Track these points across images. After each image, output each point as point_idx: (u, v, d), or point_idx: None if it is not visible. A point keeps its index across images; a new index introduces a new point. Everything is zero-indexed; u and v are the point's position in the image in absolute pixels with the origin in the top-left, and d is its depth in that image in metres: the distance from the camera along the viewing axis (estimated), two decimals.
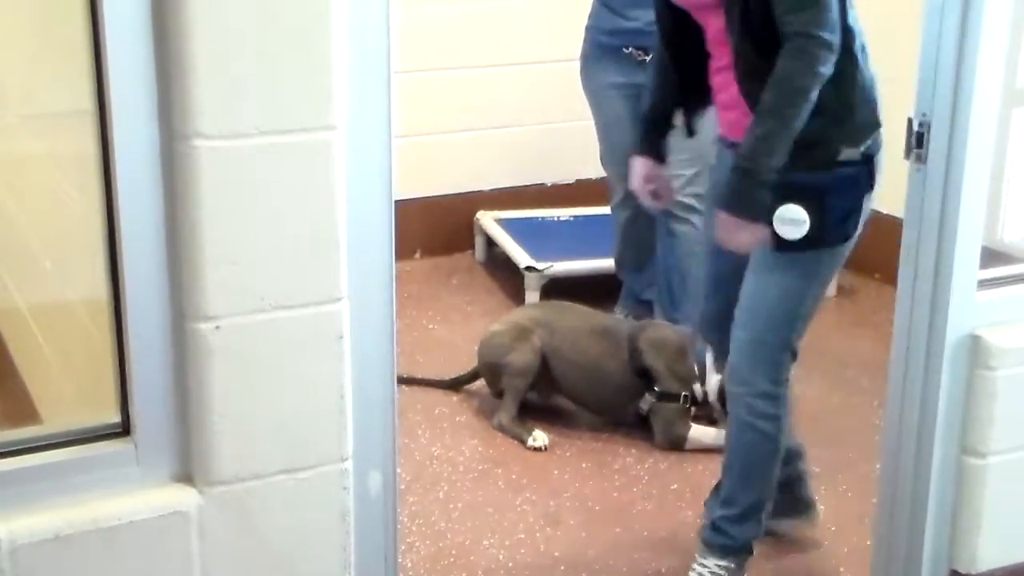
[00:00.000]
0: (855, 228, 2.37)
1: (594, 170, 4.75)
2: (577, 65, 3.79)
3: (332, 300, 1.76)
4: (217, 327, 1.69)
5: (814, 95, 2.22)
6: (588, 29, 3.69)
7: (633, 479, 3.16)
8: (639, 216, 3.67)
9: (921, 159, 2.21)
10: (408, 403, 3.44)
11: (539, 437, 3.30)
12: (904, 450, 2.36)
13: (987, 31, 2.12)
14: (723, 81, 2.40)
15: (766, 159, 2.23)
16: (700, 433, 3.26)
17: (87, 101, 1.68)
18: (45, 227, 2.77)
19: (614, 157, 3.69)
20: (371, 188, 1.76)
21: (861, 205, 2.35)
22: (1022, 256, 3.05)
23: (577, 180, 4.74)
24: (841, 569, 2.79)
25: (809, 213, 2.26)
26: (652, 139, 2.62)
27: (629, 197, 3.73)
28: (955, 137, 2.17)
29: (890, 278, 2.45)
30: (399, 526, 1.97)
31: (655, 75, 2.63)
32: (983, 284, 2.31)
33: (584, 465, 3.22)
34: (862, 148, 2.31)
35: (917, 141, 2.21)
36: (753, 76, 2.28)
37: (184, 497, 1.75)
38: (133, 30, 1.61)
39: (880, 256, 4.09)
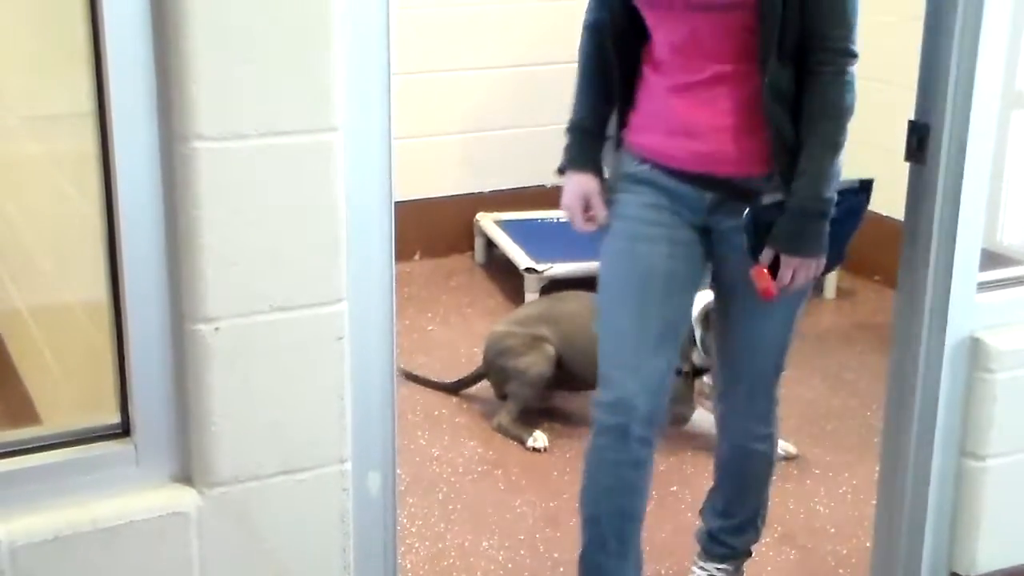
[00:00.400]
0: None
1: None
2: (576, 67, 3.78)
3: (332, 302, 1.76)
4: (217, 328, 1.70)
5: None
6: None
7: None
8: None
9: (921, 162, 2.21)
10: (407, 404, 3.45)
11: (539, 438, 3.30)
12: (903, 452, 2.36)
13: (987, 34, 2.12)
14: (698, 99, 2.14)
15: (831, 195, 2.11)
16: (702, 418, 3.26)
17: (87, 103, 1.68)
18: (45, 228, 2.77)
19: None
20: (371, 190, 1.76)
21: (858, 226, 2.25)
22: (1022, 258, 3.06)
23: None
24: (840, 571, 2.79)
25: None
26: (589, 150, 2.29)
27: None
28: (955, 140, 2.17)
29: (890, 280, 2.45)
30: (398, 527, 1.97)
31: (591, 77, 2.29)
32: (983, 286, 2.31)
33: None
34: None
35: (917, 144, 2.21)
36: (778, 100, 2.08)
37: (184, 498, 1.75)
38: (133, 32, 1.61)
39: (880, 258, 4.10)
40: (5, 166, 2.94)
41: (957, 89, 2.15)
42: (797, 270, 2.15)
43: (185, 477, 1.77)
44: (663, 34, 2.15)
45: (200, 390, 1.72)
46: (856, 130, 2.08)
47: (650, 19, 2.15)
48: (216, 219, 1.66)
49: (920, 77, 2.19)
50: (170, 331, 1.72)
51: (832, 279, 4.30)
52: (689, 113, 2.15)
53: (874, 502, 2.53)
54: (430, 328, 4.07)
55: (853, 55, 2.08)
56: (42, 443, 1.74)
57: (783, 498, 3.07)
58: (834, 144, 2.11)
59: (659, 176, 2.21)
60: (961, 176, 2.18)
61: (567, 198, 2.30)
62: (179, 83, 1.61)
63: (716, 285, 2.34)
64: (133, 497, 1.74)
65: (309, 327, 1.75)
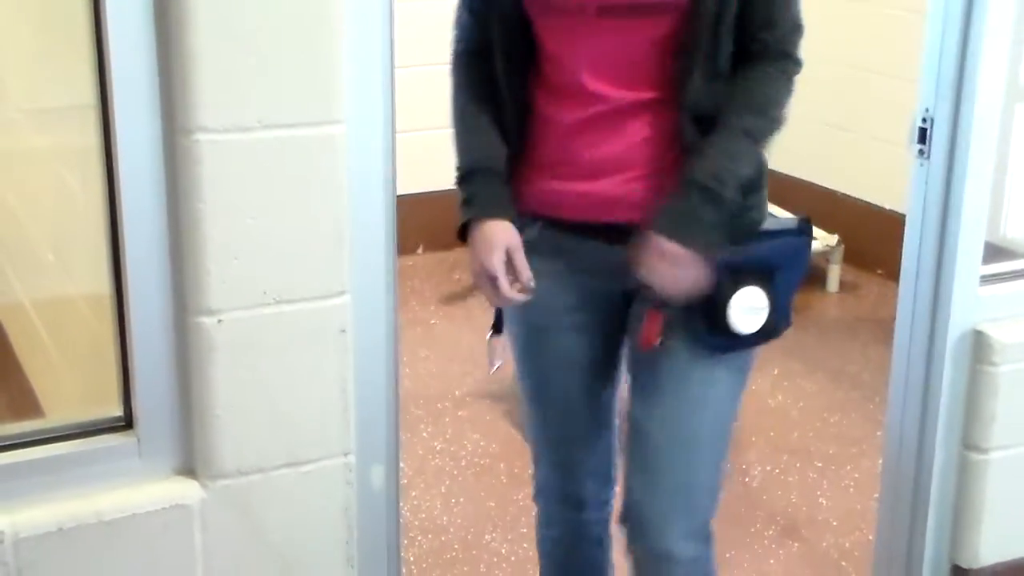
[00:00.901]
0: None
1: None
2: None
3: (335, 294, 1.76)
4: (219, 321, 1.70)
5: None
6: None
7: None
8: None
9: (924, 155, 2.21)
10: (410, 398, 3.45)
11: None
12: (906, 446, 2.36)
13: (991, 26, 2.11)
14: (604, 133, 1.75)
15: (734, 185, 1.71)
16: None
17: (90, 96, 1.68)
18: (48, 221, 2.77)
19: None
20: (373, 183, 1.76)
21: (801, 276, 1.87)
22: None
23: None
24: (843, 564, 2.79)
25: (767, 295, 1.78)
26: (502, 194, 1.81)
27: None
28: (958, 132, 2.17)
29: (892, 274, 2.45)
30: (401, 520, 1.97)
31: (481, 113, 1.84)
32: (986, 280, 2.31)
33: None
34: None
35: (920, 136, 2.20)
36: (703, 129, 1.72)
37: (186, 490, 1.76)
38: (135, 24, 1.61)
39: (882, 252, 4.11)
40: (7, 159, 2.94)
41: (960, 82, 2.15)
42: (671, 268, 1.71)
43: (188, 470, 1.77)
44: (566, 51, 1.75)
45: (203, 383, 1.72)
46: (859, 123, 2.08)
47: (549, 33, 1.75)
48: (219, 212, 1.66)
49: (923, 69, 2.19)
50: (173, 324, 1.72)
51: (835, 272, 4.30)
52: (592, 151, 1.77)
53: (877, 495, 2.53)
54: (433, 321, 4.07)
55: (798, 63, 1.77)
56: (45, 436, 1.74)
57: (785, 491, 3.07)
58: (755, 137, 1.74)
59: (553, 236, 1.82)
60: (964, 169, 2.18)
61: (482, 257, 1.78)
62: (182, 75, 1.61)
63: (633, 364, 1.90)
64: (136, 490, 1.74)
65: (312, 320, 1.75)
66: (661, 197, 1.73)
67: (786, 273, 1.81)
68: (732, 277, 1.74)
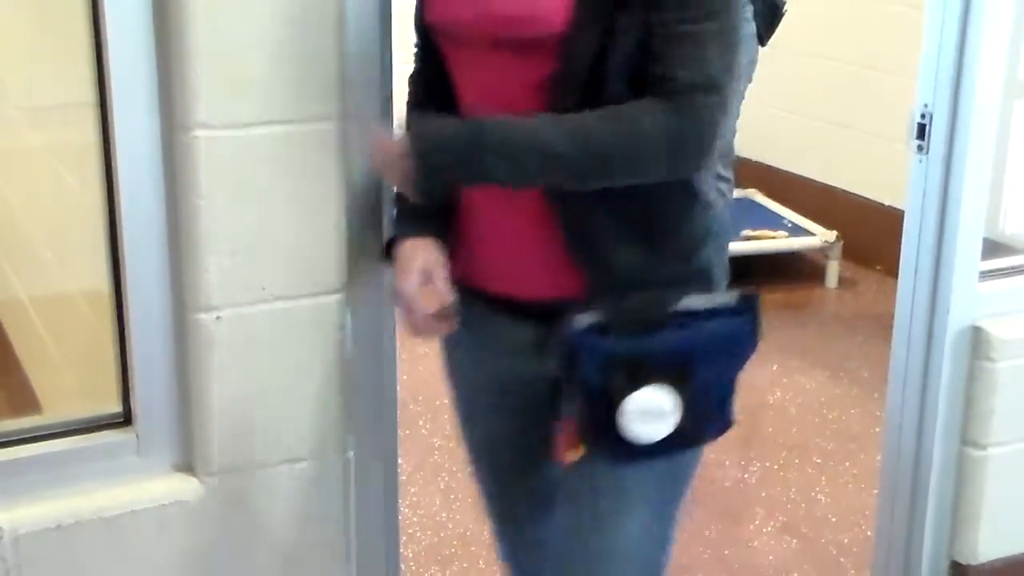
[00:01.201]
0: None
1: None
2: None
3: (333, 291, 1.76)
4: (218, 317, 1.69)
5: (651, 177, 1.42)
6: None
7: None
8: None
9: (923, 150, 2.21)
10: (409, 394, 3.44)
11: None
12: (905, 441, 2.36)
13: (989, 22, 2.11)
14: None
15: (502, 154, 1.39)
16: None
17: (88, 93, 1.68)
18: (46, 218, 2.78)
19: None
20: (371, 179, 1.76)
21: (741, 366, 1.51)
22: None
23: None
24: (842, 560, 2.79)
25: (677, 394, 1.41)
26: (426, 212, 1.56)
27: None
28: (957, 128, 2.17)
29: (891, 270, 2.45)
30: (400, 516, 1.97)
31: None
32: (985, 275, 2.31)
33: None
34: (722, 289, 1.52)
35: (919, 132, 2.20)
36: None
37: (185, 487, 1.76)
38: (134, 21, 1.61)
39: (881, 248, 4.10)
40: (6, 157, 2.94)
41: (959, 78, 2.15)
42: (390, 152, 1.49)
43: (187, 466, 1.77)
44: (464, 86, 1.53)
45: (201, 379, 1.72)
46: (858, 119, 2.07)
47: (452, 63, 1.54)
48: (217, 208, 1.66)
49: (922, 65, 2.19)
50: (171, 320, 1.72)
51: (834, 268, 4.30)
52: (486, 207, 1.54)
53: (875, 491, 2.53)
54: None
55: (706, 88, 1.39)
56: (44, 432, 1.75)
57: (784, 487, 3.07)
58: (552, 157, 1.39)
59: (462, 301, 1.55)
60: (963, 165, 2.18)
61: (398, 278, 1.56)
62: (180, 72, 1.61)
63: None
64: (135, 486, 1.74)
65: (310, 316, 1.75)
66: (550, 270, 1.48)
67: (712, 366, 1.44)
68: (628, 373, 1.38)
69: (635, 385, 1.39)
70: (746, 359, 1.48)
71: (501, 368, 1.62)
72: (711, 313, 1.45)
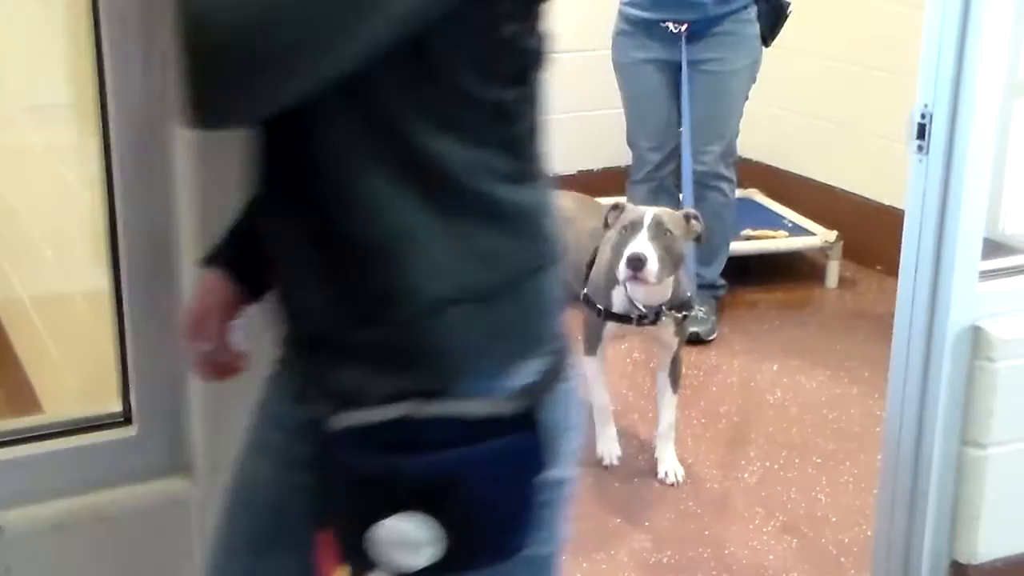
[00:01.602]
0: (544, 530, 1.22)
1: (597, 161, 4.75)
2: (584, 56, 3.82)
3: None
4: None
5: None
6: (623, 4, 3.76)
7: (634, 469, 3.16)
8: (661, 191, 3.80)
9: (923, 150, 2.21)
10: None
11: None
12: (905, 441, 2.36)
13: (989, 21, 2.11)
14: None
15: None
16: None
17: (88, 93, 1.68)
18: (46, 218, 2.78)
19: (645, 131, 3.83)
20: None
21: (532, 497, 1.19)
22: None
23: (579, 171, 4.74)
24: (842, 560, 2.79)
25: (437, 523, 1.14)
26: (226, 239, 1.36)
27: (652, 173, 3.81)
28: (957, 128, 2.17)
29: (891, 269, 2.45)
30: None
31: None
32: (984, 275, 2.31)
33: (586, 454, 3.22)
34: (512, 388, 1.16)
35: (919, 132, 2.20)
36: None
37: (184, 487, 1.75)
38: (132, 22, 1.60)
39: (881, 247, 4.10)
40: (6, 155, 2.94)
41: (959, 77, 2.15)
42: None
43: (186, 466, 1.77)
44: None
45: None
46: (858, 119, 2.07)
47: None
48: (215, 207, 1.65)
49: (922, 65, 2.19)
50: (170, 319, 1.71)
51: (834, 268, 4.30)
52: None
53: (875, 491, 2.53)
54: None
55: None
56: (44, 431, 1.75)
57: (785, 486, 3.07)
58: None
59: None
60: (963, 164, 2.18)
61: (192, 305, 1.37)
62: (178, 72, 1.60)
63: None
64: (134, 486, 1.74)
65: None
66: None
67: (484, 492, 1.16)
68: (379, 496, 1.14)
69: (387, 511, 1.14)
70: (531, 481, 1.18)
71: (286, 410, 1.31)
72: (490, 424, 1.15)
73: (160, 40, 1.61)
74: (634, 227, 2.88)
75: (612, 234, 2.96)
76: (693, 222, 2.96)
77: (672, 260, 2.90)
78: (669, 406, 3.11)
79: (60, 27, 2.17)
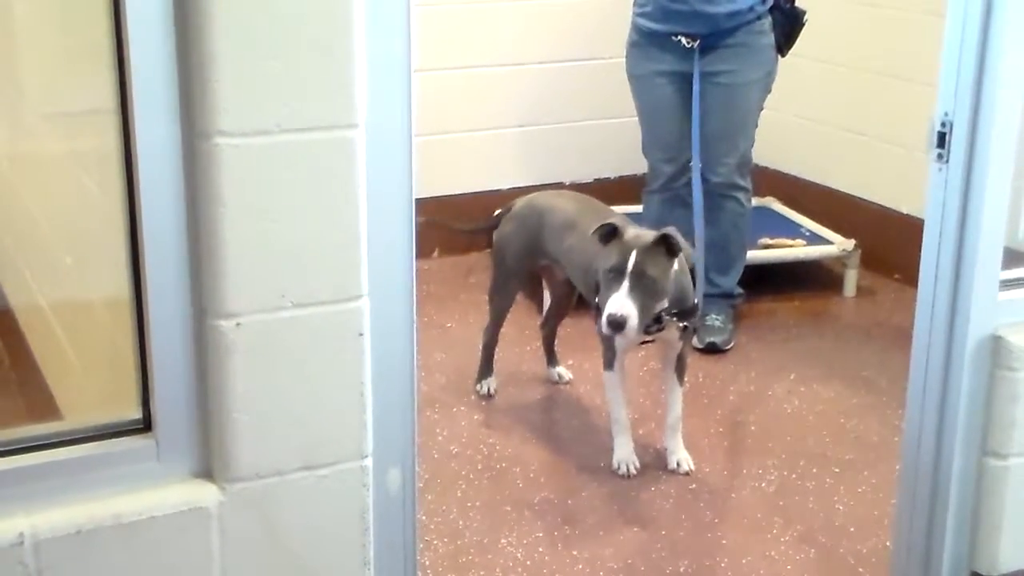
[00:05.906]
0: None
1: (612, 169, 4.76)
2: (595, 64, 3.83)
3: (352, 298, 1.76)
4: (238, 324, 1.70)
5: None
6: (636, 16, 3.77)
7: (651, 478, 3.15)
8: (676, 202, 3.83)
9: (943, 159, 2.20)
10: (426, 401, 3.45)
11: (563, 374, 3.60)
12: (924, 451, 2.35)
13: (1010, 29, 2.11)
14: None
15: None
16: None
17: (109, 100, 1.69)
18: (67, 225, 2.78)
19: (659, 143, 3.85)
20: (391, 186, 1.76)
21: None
22: None
23: (595, 179, 4.74)
24: (860, 570, 2.78)
25: None
26: None
27: (667, 184, 3.82)
28: (977, 136, 2.16)
29: (910, 279, 2.44)
30: (417, 524, 1.98)
31: None
32: (1005, 284, 2.30)
33: (602, 463, 3.22)
34: None
35: (939, 141, 2.20)
36: None
37: (204, 493, 1.76)
38: (155, 28, 1.61)
39: (900, 257, 4.09)
40: (27, 163, 2.95)
41: (980, 85, 2.14)
42: None
43: (206, 473, 1.78)
44: None
45: (221, 386, 1.72)
46: (877, 127, 2.07)
47: None
48: (237, 215, 1.66)
49: (942, 73, 2.18)
50: (191, 327, 1.72)
51: (852, 277, 4.29)
52: None
53: (894, 501, 2.52)
54: (449, 324, 4.07)
55: None
56: (64, 438, 1.75)
57: (802, 496, 3.06)
58: None
59: None
60: (984, 173, 2.17)
61: None
62: (201, 79, 1.61)
63: None
64: (154, 492, 1.74)
65: (330, 323, 1.75)
66: None
67: None
68: None
69: None
70: None
71: None
72: None
73: (183, 47, 1.62)
74: (617, 275, 2.86)
75: (603, 260, 2.94)
76: (671, 245, 2.89)
77: (656, 300, 2.91)
78: (676, 398, 3.18)
79: (82, 33, 2.18)
